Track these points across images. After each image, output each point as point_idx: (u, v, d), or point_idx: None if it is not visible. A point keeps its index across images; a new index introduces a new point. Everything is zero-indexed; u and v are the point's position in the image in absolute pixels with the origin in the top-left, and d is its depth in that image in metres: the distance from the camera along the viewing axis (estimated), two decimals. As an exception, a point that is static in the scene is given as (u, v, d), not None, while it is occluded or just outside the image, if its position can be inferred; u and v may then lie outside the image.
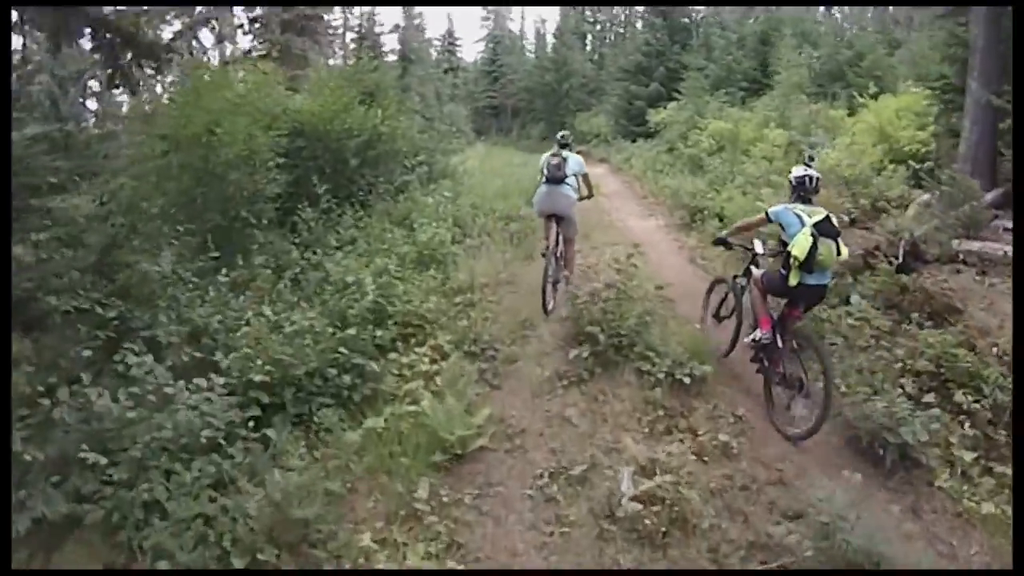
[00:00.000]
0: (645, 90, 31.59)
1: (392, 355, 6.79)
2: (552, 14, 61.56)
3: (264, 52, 22.23)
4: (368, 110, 12.47)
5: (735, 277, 6.98)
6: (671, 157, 21.74)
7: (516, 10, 68.54)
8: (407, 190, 12.83)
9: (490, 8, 60.63)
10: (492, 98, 55.93)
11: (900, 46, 25.77)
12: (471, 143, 37.09)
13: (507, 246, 10.97)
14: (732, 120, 20.16)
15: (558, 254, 8.27)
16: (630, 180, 23.15)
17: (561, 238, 8.34)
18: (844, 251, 5.63)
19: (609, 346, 6.77)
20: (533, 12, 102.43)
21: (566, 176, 8.08)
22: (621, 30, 54.61)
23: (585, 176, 8.57)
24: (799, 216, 5.62)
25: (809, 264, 5.45)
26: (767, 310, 6.08)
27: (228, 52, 23.98)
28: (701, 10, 34.91)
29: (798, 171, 5.91)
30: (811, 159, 6.30)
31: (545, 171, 8.16)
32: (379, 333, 6.75)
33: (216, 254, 8.03)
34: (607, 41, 56.52)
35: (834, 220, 5.63)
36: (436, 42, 60.21)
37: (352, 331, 6.31)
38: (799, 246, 5.42)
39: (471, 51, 63.01)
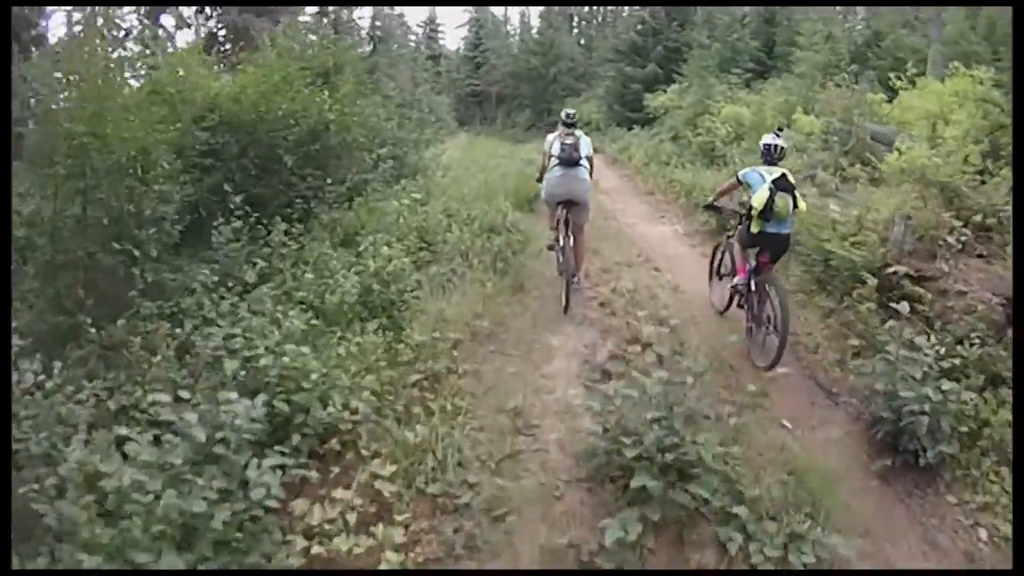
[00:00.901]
0: (641, 72, 29.19)
1: (295, 505, 3.98)
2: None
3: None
4: (313, 93, 9.81)
5: (728, 237, 7.58)
6: (677, 147, 19.34)
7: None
8: (366, 193, 10.28)
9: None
10: (475, 86, 53.28)
11: (917, 27, 23.22)
12: (452, 133, 34.98)
13: (489, 273, 8.17)
14: (749, 104, 17.78)
15: (571, 247, 7.64)
16: (630, 173, 20.82)
17: (572, 227, 7.71)
18: (802, 204, 6.45)
19: (665, 496, 3.99)
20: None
21: (581, 157, 7.60)
22: (611, 10, 51.98)
23: (591, 159, 7.94)
24: (761, 175, 6.33)
25: (767, 214, 6.15)
26: (745, 260, 6.76)
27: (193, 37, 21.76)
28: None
29: (767, 139, 6.69)
30: (780, 130, 7.02)
31: (558, 152, 7.61)
32: (266, 479, 3.49)
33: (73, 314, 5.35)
34: (596, 23, 53.87)
35: (790, 177, 6.36)
36: (417, 28, 58.73)
37: (218, 476, 3.47)
38: (758, 198, 6.18)
39: (454, 38, 60.26)
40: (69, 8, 13.44)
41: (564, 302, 7.32)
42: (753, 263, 6.63)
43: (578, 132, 7.81)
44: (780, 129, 6.98)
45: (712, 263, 8.03)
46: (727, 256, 7.52)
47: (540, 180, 8.21)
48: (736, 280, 6.93)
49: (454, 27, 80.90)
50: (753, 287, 6.56)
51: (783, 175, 6.27)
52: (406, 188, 11.27)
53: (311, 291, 6.46)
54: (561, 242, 7.64)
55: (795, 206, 6.26)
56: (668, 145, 20.13)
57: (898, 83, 14.28)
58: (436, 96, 45.54)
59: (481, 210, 10.34)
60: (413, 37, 57.40)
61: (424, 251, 8.58)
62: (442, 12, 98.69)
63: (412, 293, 7.07)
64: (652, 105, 24.77)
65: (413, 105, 30.81)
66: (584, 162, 7.65)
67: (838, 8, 25.48)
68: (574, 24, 54.59)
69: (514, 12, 59.49)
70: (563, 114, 8.23)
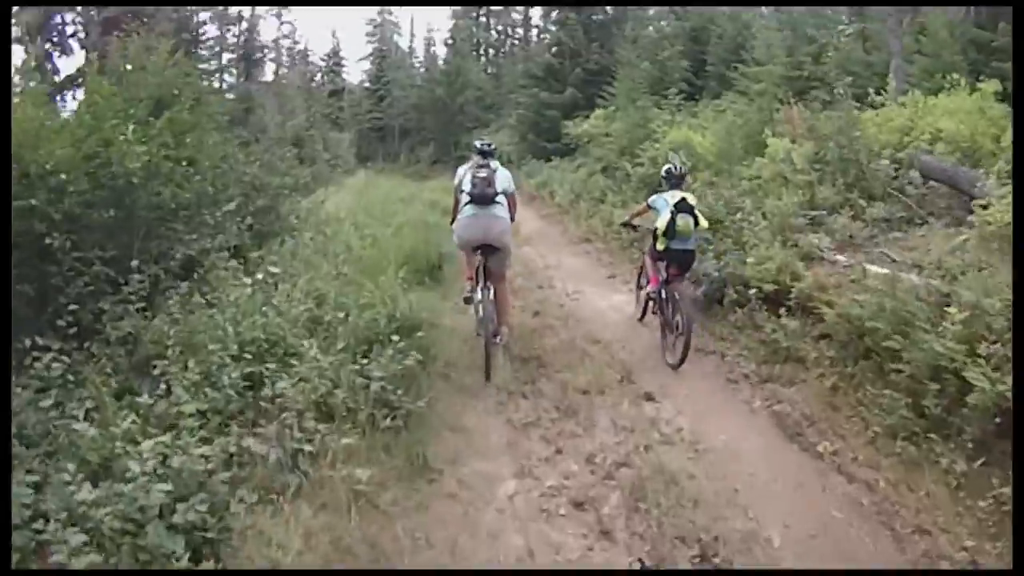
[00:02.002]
0: (559, 97, 26.10)
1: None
2: (444, 23, 55.47)
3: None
4: (117, 126, 6.25)
5: (644, 255, 8.03)
6: (611, 180, 16.21)
7: (405, 24, 62.59)
8: (198, 275, 7.00)
9: (374, 22, 54.25)
10: (377, 119, 49.59)
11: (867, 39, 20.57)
12: (350, 171, 31.38)
13: (365, 439, 4.54)
14: (696, 128, 14.75)
15: (492, 299, 6.55)
16: (554, 213, 17.70)
17: (491, 275, 6.68)
18: (703, 222, 7.07)
19: None
20: (423, 23, 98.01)
21: (497, 193, 6.54)
22: (519, 37, 49.27)
23: (513, 196, 6.91)
24: (665, 200, 7.05)
25: (670, 233, 6.84)
26: (656, 272, 7.39)
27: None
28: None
29: (666, 167, 7.49)
30: (676, 153, 9.26)
31: (469, 188, 6.54)
32: None
33: None
34: (504, 51, 50.94)
35: (691, 200, 6.99)
36: (321, 62, 56.26)
37: None
38: (661, 220, 6.93)
39: (357, 71, 57.05)
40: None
41: (485, 369, 6.27)
42: (663, 275, 7.20)
43: (494, 164, 6.87)
44: (676, 153, 8.58)
45: (638, 277, 8.56)
46: (644, 270, 8.05)
47: (453, 222, 7.04)
48: (649, 289, 7.57)
49: (355, 60, 76.46)
50: (664, 295, 7.18)
51: (683, 199, 6.92)
52: (264, 259, 8.07)
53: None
54: (479, 295, 6.63)
55: (696, 224, 6.91)
56: (599, 178, 17.11)
57: (877, 98, 12.00)
58: (337, 132, 43.53)
59: (360, 298, 6.82)
60: (317, 70, 56.00)
61: (245, 411, 4.64)
62: (346, 44, 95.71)
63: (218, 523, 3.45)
64: (573, 133, 22.15)
65: (303, 142, 27.64)
66: (501, 198, 6.65)
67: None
68: (482, 52, 51.54)
69: (420, 43, 56.14)
70: (477, 143, 7.20)
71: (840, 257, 7.70)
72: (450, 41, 46.86)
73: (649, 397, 6.02)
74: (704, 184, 11.78)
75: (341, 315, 6.12)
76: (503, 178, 6.73)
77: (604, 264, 11.46)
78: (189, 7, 23.35)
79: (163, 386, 4.60)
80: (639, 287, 8.44)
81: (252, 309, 5.92)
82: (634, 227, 8.44)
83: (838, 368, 6.03)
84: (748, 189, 10.66)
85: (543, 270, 11.01)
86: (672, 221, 6.79)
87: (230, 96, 17.52)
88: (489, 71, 48.97)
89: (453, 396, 5.84)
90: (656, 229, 7.04)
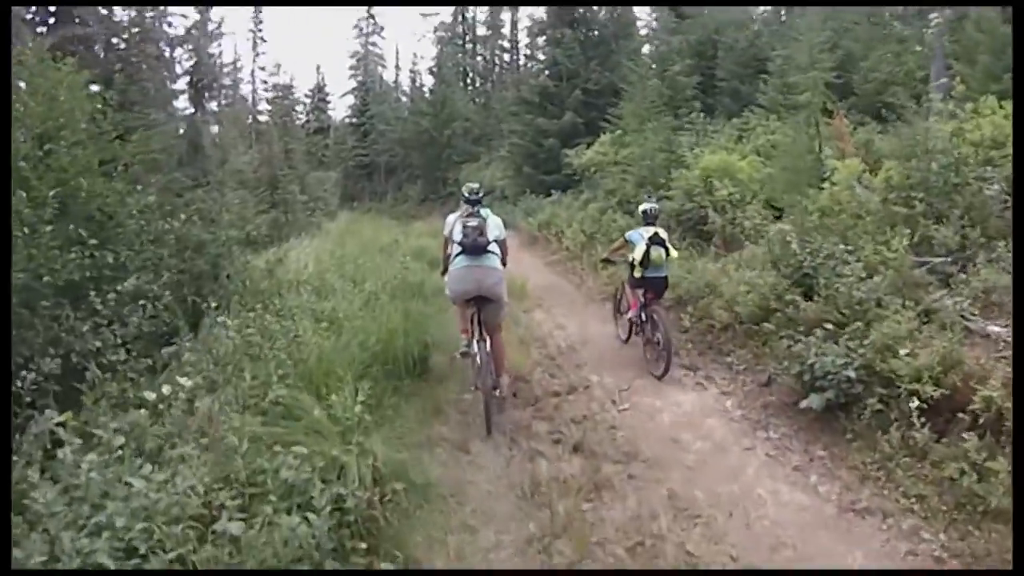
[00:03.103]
0: (557, 123, 23.69)
1: None
2: (429, 51, 53.23)
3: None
4: None
5: (624, 282, 8.72)
6: (630, 216, 13.57)
7: (390, 55, 60.36)
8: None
9: (358, 55, 52.32)
10: (362, 156, 47.45)
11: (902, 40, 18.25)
12: (330, 215, 28.90)
13: None
14: (729, 148, 12.46)
15: (488, 351, 6.20)
16: (562, 259, 15.00)
17: (487, 327, 6.36)
18: (674, 252, 7.92)
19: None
20: (408, 55, 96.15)
21: (489, 243, 6.34)
22: (507, 63, 46.93)
23: (504, 244, 6.71)
24: (641, 235, 7.77)
25: (645, 263, 7.60)
26: (636, 298, 8.08)
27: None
28: (619, 15, 26.51)
29: (643, 206, 8.19)
30: (649, 195, 9.88)
31: (460, 238, 6.30)
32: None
33: None
34: (492, 80, 48.61)
35: (662, 234, 7.76)
36: (305, 99, 54.31)
37: None
38: (637, 252, 7.65)
39: (343, 107, 55.18)
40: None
41: (487, 422, 5.88)
42: (642, 300, 7.94)
43: (484, 211, 6.59)
44: (649, 194, 10.04)
45: (615, 304, 9.41)
46: (624, 297, 8.92)
47: (444, 273, 6.76)
48: (631, 314, 8.35)
49: (339, 96, 74.18)
50: (644, 318, 7.93)
51: (656, 233, 7.74)
52: (184, 359, 5.73)
53: None
54: (475, 348, 6.26)
55: (667, 255, 7.75)
56: (614, 215, 14.51)
57: (940, 106, 9.62)
58: (323, 172, 41.40)
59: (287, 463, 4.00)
60: (301, 108, 53.89)
61: None
62: (331, 79, 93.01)
63: None
64: (576, 163, 19.81)
65: (277, 184, 25.08)
66: (494, 247, 6.42)
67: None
68: (469, 80, 49.22)
69: (405, 76, 54.09)
70: (464, 190, 6.89)
71: (995, 328, 5.72)
72: (435, 69, 44.65)
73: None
74: (758, 221, 9.81)
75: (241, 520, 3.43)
76: (494, 226, 6.56)
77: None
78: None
79: None
80: (619, 312, 9.23)
81: (96, 495, 3.31)
82: (612, 262, 9.00)
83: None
84: (819, 225, 8.43)
85: (567, 352, 8.50)
86: (647, 252, 7.61)
87: (181, 131, 14.92)
88: (477, 101, 46.64)
89: None
90: (633, 260, 7.79)
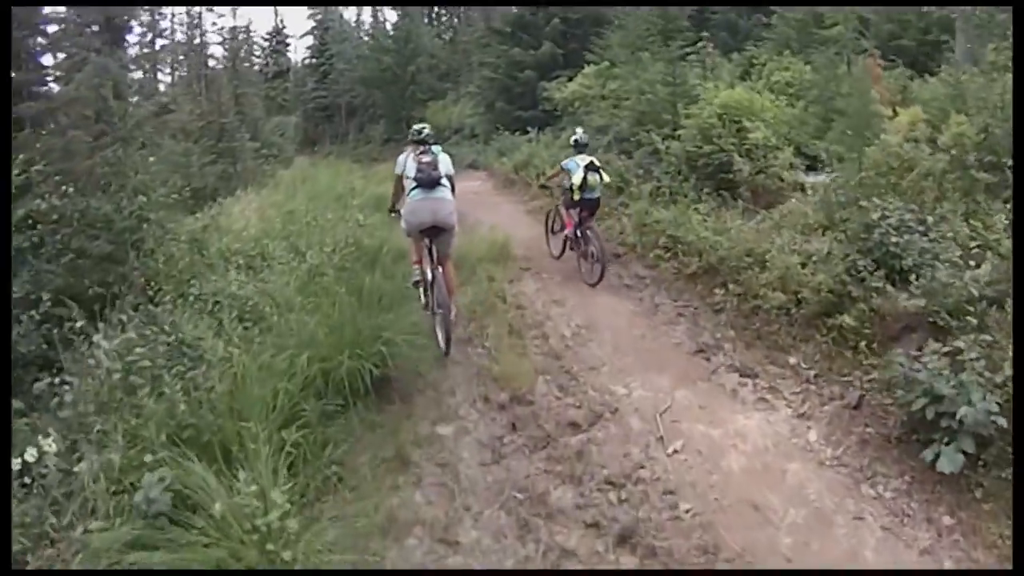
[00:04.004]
0: (533, 54, 21.42)
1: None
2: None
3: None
4: None
5: (557, 206, 9.62)
6: (627, 157, 12.01)
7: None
8: None
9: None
10: (322, 99, 44.50)
11: None
12: (285, 161, 28.25)
13: None
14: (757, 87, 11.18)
15: (439, 277, 6.61)
16: (544, 205, 12.92)
17: (438, 256, 6.78)
18: (607, 178, 8.70)
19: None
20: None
21: (441, 176, 6.72)
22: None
23: (452, 179, 7.00)
24: (577, 163, 8.54)
25: (583, 187, 8.34)
26: (571, 217, 8.86)
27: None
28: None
29: (575, 136, 9.08)
30: (580, 128, 9.90)
31: (414, 173, 6.69)
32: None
33: None
34: (460, 15, 45.55)
35: (596, 162, 8.59)
36: (264, 41, 52.78)
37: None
38: (575, 178, 8.39)
39: (303, 49, 52.80)
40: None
41: (444, 343, 6.32)
42: (577, 219, 8.71)
43: (435, 148, 6.93)
44: (580, 127, 10.11)
45: (547, 225, 10.06)
46: (557, 218, 9.69)
47: (392, 211, 7.58)
48: (567, 232, 9.10)
49: (298, 36, 70.29)
50: (579, 234, 8.69)
51: (591, 161, 8.55)
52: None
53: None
54: (429, 275, 6.74)
55: (601, 179, 8.53)
56: (610, 156, 12.34)
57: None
58: (284, 116, 41.52)
59: None
60: (258, 51, 52.52)
61: None
62: (291, 20, 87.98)
63: None
64: (556, 97, 17.61)
65: (223, 133, 23.07)
66: (445, 181, 6.80)
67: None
68: (434, 15, 46.22)
69: (368, 13, 50.97)
70: (414, 130, 7.23)
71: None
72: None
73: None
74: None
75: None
76: (445, 162, 6.92)
77: (682, 323, 6.96)
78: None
79: None
80: (552, 232, 9.85)
81: None
82: (549, 187, 10.01)
83: None
84: (875, 184, 7.02)
85: (574, 343, 6.59)
86: (585, 178, 8.37)
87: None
88: (444, 36, 43.78)
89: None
90: (572, 184, 8.49)
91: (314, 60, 47.92)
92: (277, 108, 46.41)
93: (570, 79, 17.51)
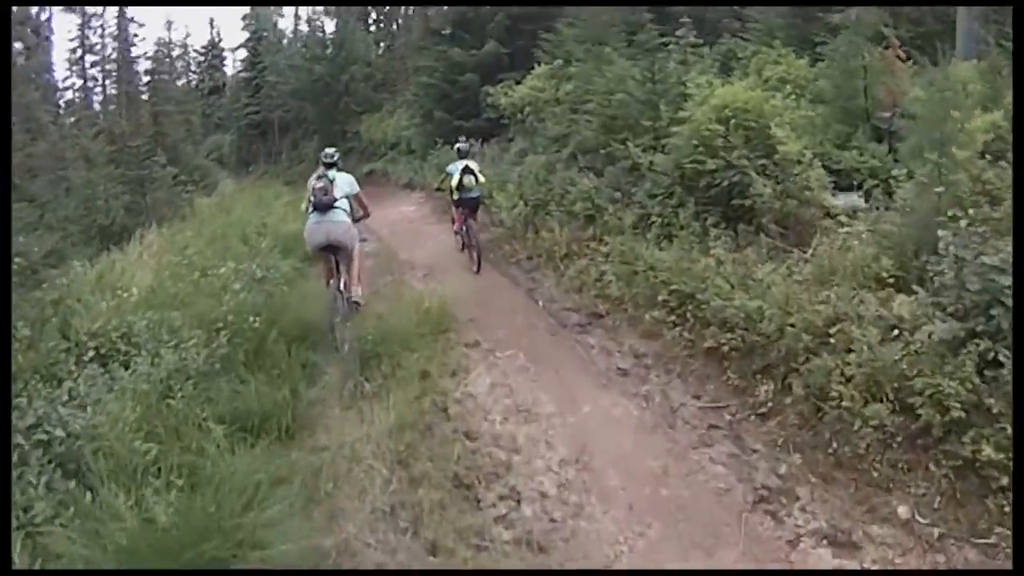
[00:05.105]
0: (475, 56, 18.91)
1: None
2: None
3: None
4: None
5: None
6: (594, 173, 9.94)
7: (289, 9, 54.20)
8: None
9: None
10: (255, 114, 41.17)
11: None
12: (208, 187, 26.62)
13: None
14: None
15: (341, 286, 7.14)
16: (496, 240, 11.06)
17: (342, 267, 7.29)
18: (482, 178, 10.09)
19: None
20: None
21: (335, 200, 7.26)
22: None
23: (358, 196, 7.74)
24: (456, 167, 9.95)
25: (460, 188, 9.76)
26: (458, 215, 10.30)
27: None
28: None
29: (457, 145, 10.81)
30: (462, 138, 11.89)
31: (311, 198, 7.25)
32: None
33: None
34: (398, 21, 42.82)
35: (473, 166, 9.98)
36: (198, 56, 50.31)
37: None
38: (453, 181, 9.85)
39: (238, 62, 50.43)
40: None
41: (338, 346, 6.61)
42: (462, 216, 10.07)
43: (333, 173, 7.48)
44: (462, 138, 12.03)
45: (453, 221, 10.90)
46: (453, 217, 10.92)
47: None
48: (455, 228, 10.67)
49: (231, 49, 67.01)
50: (464, 229, 10.15)
51: (467, 166, 9.86)
52: None
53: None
54: (333, 284, 7.20)
55: (476, 180, 9.89)
56: (568, 173, 10.51)
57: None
58: (220, 135, 41.39)
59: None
60: (194, 67, 50.21)
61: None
62: (228, 31, 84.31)
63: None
64: (503, 103, 15.28)
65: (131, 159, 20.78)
66: (342, 203, 7.33)
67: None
68: (370, 22, 43.44)
69: (305, 20, 48.18)
70: (323, 154, 7.96)
71: None
72: (332, 11, 39.11)
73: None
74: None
75: None
76: (343, 183, 7.47)
77: (718, 443, 4.69)
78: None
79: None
80: (456, 232, 10.93)
81: None
82: (442, 190, 10.98)
83: None
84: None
85: (573, 516, 4.14)
86: (460, 180, 9.73)
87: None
88: (382, 44, 41.05)
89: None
90: (451, 187, 9.89)
91: (247, 74, 44.77)
92: (213, 127, 44.85)
93: (518, 82, 15.21)
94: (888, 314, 4.52)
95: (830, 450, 4.21)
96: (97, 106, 37.41)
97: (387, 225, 13.47)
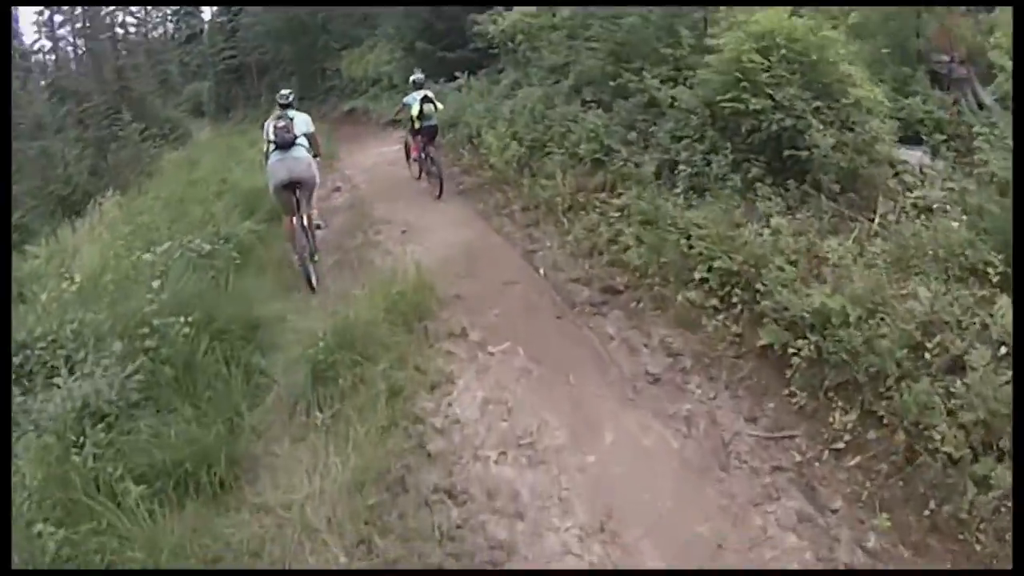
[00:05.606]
0: (461, -21, 17.34)
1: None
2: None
3: None
4: None
5: (406, 137, 11.44)
6: (604, 109, 8.36)
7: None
8: None
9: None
10: (232, 59, 39.43)
11: None
12: (178, 139, 26.67)
13: None
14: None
15: (305, 222, 7.53)
16: (485, 184, 9.90)
17: (303, 207, 7.51)
18: (440, 106, 10.53)
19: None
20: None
21: (296, 137, 7.48)
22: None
23: (313, 135, 7.97)
24: (414, 97, 10.31)
25: (421, 116, 10.09)
26: (416, 144, 10.74)
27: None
28: None
29: (413, 77, 11.15)
30: (417, 69, 12.06)
31: (272, 137, 7.46)
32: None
33: None
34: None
35: (431, 95, 10.35)
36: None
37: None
38: (413, 109, 10.18)
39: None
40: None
41: (310, 282, 7.27)
42: (421, 144, 10.47)
43: (291, 112, 7.76)
44: (417, 70, 11.84)
45: (405, 153, 11.65)
46: (408, 146, 11.26)
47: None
48: (414, 155, 10.98)
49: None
50: (424, 156, 10.54)
51: (426, 95, 10.22)
52: None
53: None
54: (295, 223, 7.36)
55: (435, 108, 10.29)
56: (572, 108, 9.09)
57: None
58: (199, 83, 40.24)
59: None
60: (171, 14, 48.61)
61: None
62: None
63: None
64: (492, 31, 13.22)
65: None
66: (302, 140, 7.57)
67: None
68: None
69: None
70: (279, 95, 8.27)
71: None
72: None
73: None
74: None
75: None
76: (301, 123, 7.67)
77: (784, 492, 3.48)
78: None
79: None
80: (409, 160, 11.45)
81: None
82: (399, 120, 11.91)
83: None
84: None
85: None
86: (421, 108, 10.04)
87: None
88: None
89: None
90: (412, 116, 10.20)
91: (222, 18, 42.76)
92: (191, 75, 44.16)
93: (508, 9, 13.59)
94: (994, 324, 3.26)
95: (926, 511, 3.08)
96: (74, 66, 37.41)
97: (364, 171, 12.96)
